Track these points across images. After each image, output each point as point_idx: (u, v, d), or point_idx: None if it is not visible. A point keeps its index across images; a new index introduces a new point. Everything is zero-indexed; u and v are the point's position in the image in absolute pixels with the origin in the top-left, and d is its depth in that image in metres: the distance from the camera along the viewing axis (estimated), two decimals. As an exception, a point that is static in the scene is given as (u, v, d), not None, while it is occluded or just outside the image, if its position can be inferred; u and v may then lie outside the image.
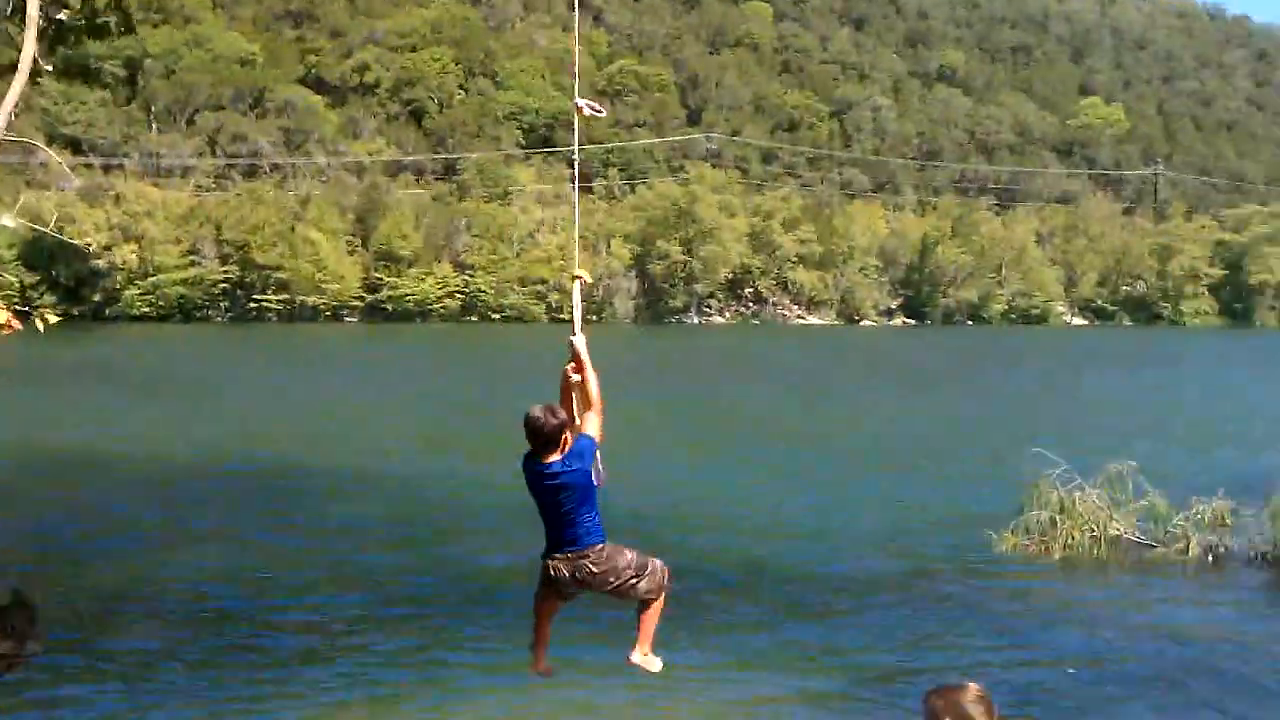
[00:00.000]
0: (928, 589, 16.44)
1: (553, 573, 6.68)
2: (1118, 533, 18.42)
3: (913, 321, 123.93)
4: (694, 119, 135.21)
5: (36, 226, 10.41)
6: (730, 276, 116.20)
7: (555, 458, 6.59)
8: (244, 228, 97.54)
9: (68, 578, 16.02)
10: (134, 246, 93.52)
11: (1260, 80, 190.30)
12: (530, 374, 53.51)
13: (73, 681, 12.07)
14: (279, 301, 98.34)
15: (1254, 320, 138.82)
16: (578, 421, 6.85)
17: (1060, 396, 46.62)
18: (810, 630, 14.45)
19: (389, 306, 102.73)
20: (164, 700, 11.77)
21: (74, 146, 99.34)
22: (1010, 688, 12.19)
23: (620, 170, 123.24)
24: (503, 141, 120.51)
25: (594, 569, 6.60)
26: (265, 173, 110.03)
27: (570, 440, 6.66)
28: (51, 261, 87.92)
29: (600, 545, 6.64)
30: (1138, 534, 18.53)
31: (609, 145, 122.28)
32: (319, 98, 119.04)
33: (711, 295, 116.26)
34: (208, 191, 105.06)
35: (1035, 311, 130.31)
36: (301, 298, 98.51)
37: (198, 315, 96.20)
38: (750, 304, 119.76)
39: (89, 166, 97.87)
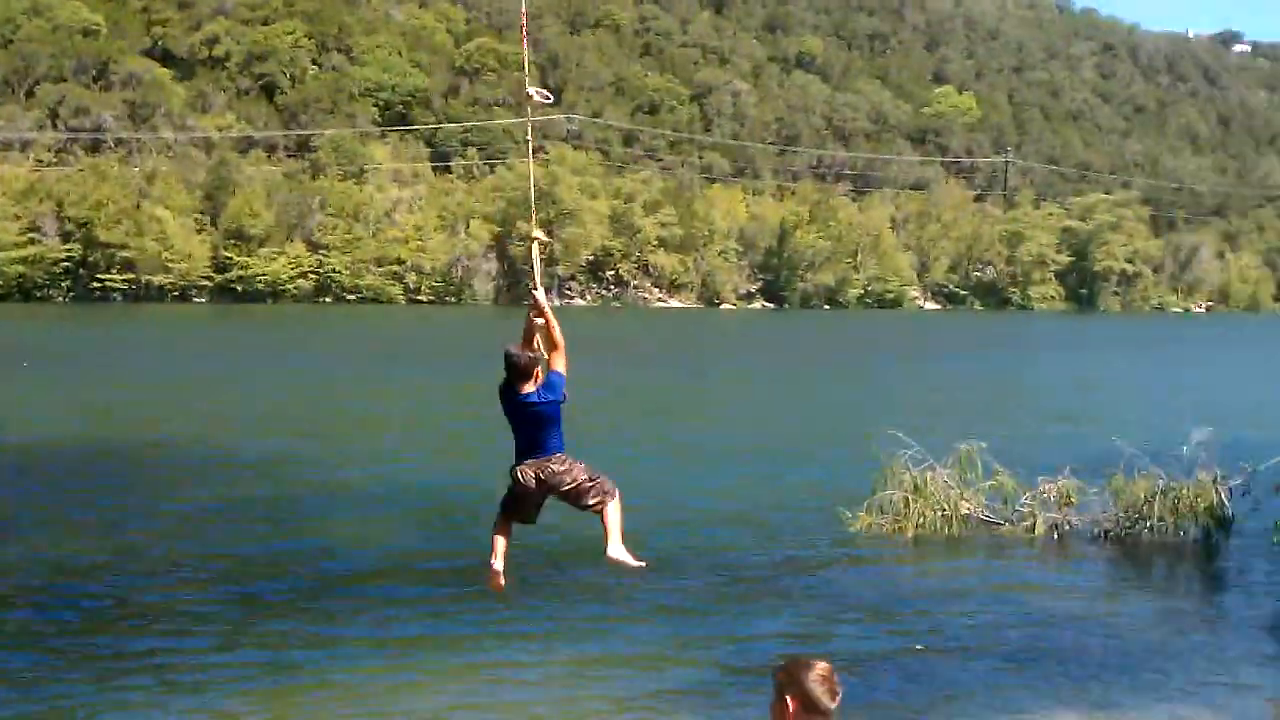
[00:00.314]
0: (783, 568, 16.42)
1: (520, 476, 7.67)
2: (968, 512, 18.66)
3: (772, 305, 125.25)
4: (554, 99, 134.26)
5: None
6: (591, 259, 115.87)
7: (530, 389, 7.60)
8: (87, 204, 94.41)
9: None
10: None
11: (1105, 72, 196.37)
12: (389, 354, 52.74)
13: None
14: (124, 281, 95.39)
15: (1098, 305, 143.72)
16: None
17: (913, 379, 47.35)
18: (662, 609, 14.24)
19: (239, 287, 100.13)
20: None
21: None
22: (860, 665, 12.15)
23: (479, 150, 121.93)
24: (358, 119, 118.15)
25: (555, 469, 7.64)
26: (109, 147, 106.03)
27: (542, 375, 7.65)
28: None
29: (561, 454, 7.69)
30: (987, 513, 18.79)
31: (468, 125, 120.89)
32: (166, 70, 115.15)
33: (573, 278, 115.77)
34: (48, 166, 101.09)
35: (890, 296, 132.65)
36: (147, 277, 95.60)
37: (38, 295, 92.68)
38: (611, 286, 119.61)
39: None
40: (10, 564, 15.67)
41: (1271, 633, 14.28)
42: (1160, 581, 16.95)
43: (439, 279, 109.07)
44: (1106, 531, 18.21)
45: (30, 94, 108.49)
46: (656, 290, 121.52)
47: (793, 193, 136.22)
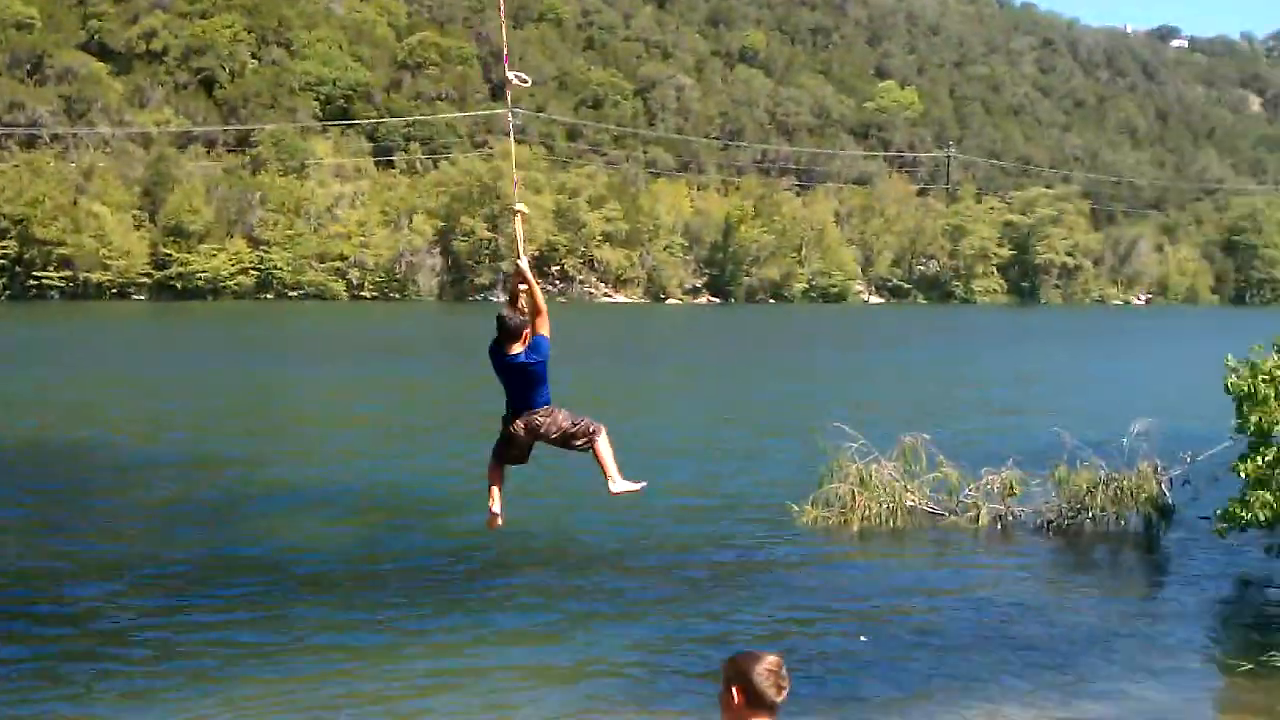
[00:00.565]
0: (731, 561, 16.44)
1: (511, 429, 8.28)
2: (913, 504, 18.77)
3: (717, 300, 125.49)
4: (497, 93, 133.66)
5: None
6: (536, 254, 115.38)
7: (518, 349, 8.16)
8: (22, 201, 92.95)
9: None
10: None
11: (1045, 67, 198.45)
12: (332, 351, 52.29)
13: None
14: (61, 279, 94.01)
15: (1039, 298, 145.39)
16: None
17: (858, 373, 47.59)
18: (613, 604, 14.21)
19: (179, 284, 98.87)
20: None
21: None
22: (806, 656, 12.21)
23: (422, 145, 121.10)
24: (299, 113, 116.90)
25: (542, 419, 8.23)
26: (45, 143, 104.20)
27: (529, 337, 8.15)
28: None
29: (548, 406, 8.27)
30: (931, 504, 18.90)
31: (410, 119, 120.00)
32: (102, 65, 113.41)
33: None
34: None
35: (834, 290, 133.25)
36: (85, 275, 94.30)
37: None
38: (557, 281, 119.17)
39: None
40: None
41: (1210, 619, 14.48)
42: (1103, 570, 17.11)
43: (382, 275, 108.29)
44: (1050, 522, 18.38)
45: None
46: (602, 285, 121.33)
47: (737, 187, 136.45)
